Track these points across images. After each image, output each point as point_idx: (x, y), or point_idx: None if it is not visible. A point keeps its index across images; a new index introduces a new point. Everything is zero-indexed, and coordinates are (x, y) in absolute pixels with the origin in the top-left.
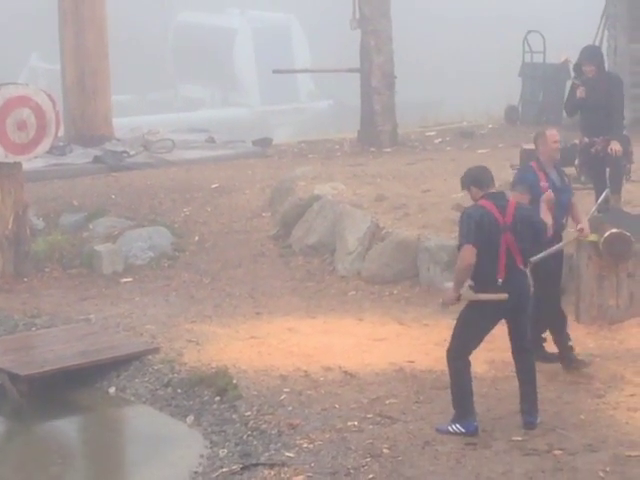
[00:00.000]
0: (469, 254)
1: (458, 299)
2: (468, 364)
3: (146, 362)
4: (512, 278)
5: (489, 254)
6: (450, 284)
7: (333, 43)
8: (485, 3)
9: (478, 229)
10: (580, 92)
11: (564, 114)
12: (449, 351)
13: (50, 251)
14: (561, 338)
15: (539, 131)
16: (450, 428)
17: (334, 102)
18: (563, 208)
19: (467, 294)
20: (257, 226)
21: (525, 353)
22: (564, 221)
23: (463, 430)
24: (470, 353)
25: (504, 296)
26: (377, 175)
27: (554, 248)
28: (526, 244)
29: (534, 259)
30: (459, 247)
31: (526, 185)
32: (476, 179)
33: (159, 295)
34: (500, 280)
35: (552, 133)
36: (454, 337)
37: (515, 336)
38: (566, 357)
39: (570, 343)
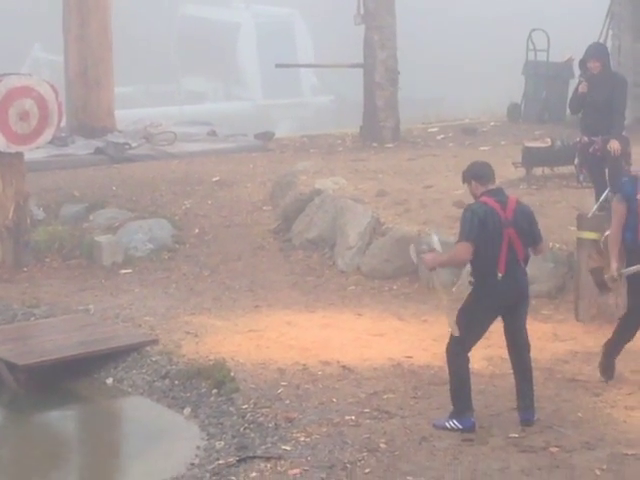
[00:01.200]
0: (465, 251)
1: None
2: (467, 360)
3: (144, 353)
4: (512, 274)
5: (491, 250)
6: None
7: (336, 38)
8: (489, 1)
9: (481, 226)
10: (582, 87)
11: (567, 112)
12: (448, 347)
13: (50, 241)
14: (619, 348)
15: None
16: (447, 424)
17: (336, 97)
18: None
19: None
20: (258, 220)
21: (521, 350)
22: None
23: (460, 426)
24: (469, 349)
25: None
26: (379, 170)
27: None
28: (527, 239)
29: (627, 271)
30: (457, 242)
31: (623, 195)
32: (478, 174)
33: (158, 287)
34: (500, 275)
35: None
36: (455, 334)
37: (512, 333)
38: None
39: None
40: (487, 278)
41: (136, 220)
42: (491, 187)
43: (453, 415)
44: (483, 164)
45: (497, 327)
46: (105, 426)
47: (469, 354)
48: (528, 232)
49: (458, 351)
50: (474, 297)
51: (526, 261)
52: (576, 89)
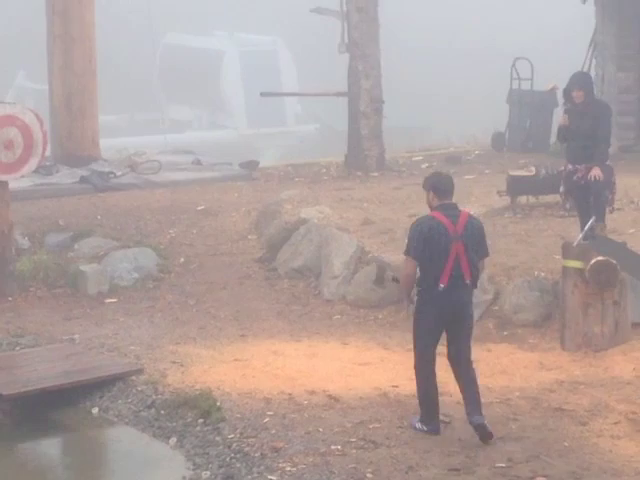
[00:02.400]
0: (409, 265)
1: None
2: (431, 372)
3: (130, 383)
4: (455, 287)
5: (437, 262)
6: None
7: (321, 67)
8: (473, 32)
9: (425, 242)
10: (563, 119)
11: (551, 141)
12: (415, 363)
13: (35, 270)
14: None
15: None
16: (416, 425)
17: (321, 126)
18: None
19: None
20: (243, 249)
21: (464, 362)
22: None
23: (425, 429)
24: (429, 361)
25: None
26: (364, 199)
27: None
28: (476, 254)
29: None
30: (404, 253)
31: None
32: (437, 187)
33: (144, 316)
34: (442, 286)
35: None
36: (414, 349)
37: (452, 345)
38: None
39: None
40: (430, 289)
41: (121, 249)
42: (446, 202)
43: (421, 419)
44: (445, 178)
45: (482, 356)
46: (91, 456)
47: (453, 384)
48: (477, 246)
49: (422, 365)
50: (418, 307)
51: (474, 279)
52: (560, 125)
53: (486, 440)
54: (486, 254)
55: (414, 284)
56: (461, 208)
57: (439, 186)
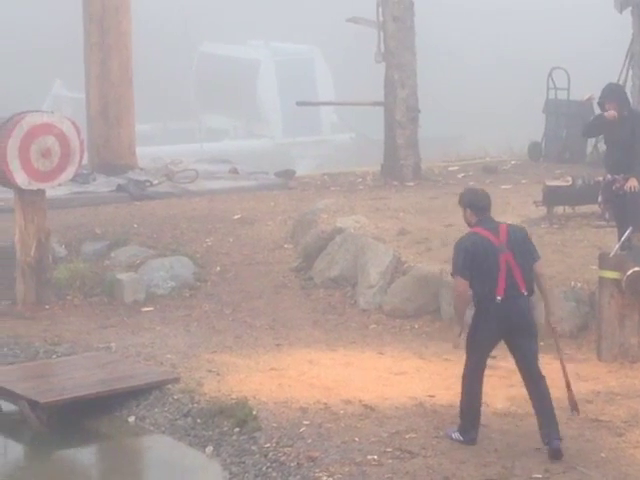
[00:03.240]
0: (460, 284)
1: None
2: (479, 384)
3: (166, 391)
4: (512, 298)
5: (489, 276)
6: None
7: (357, 76)
8: (509, 42)
9: (472, 258)
10: (610, 114)
11: (588, 151)
12: (464, 374)
13: (72, 279)
14: None
15: None
16: (453, 435)
17: (357, 135)
18: None
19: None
20: (279, 258)
21: (537, 379)
22: None
23: (462, 439)
24: (480, 373)
25: None
26: (400, 209)
27: None
28: (525, 263)
29: None
30: (452, 275)
31: None
32: (474, 204)
33: (180, 325)
34: (499, 298)
35: None
36: (466, 357)
37: (523, 364)
38: None
39: None
40: (487, 302)
41: (157, 258)
42: (484, 217)
43: (459, 429)
44: (482, 194)
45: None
46: (127, 464)
47: (491, 394)
48: (526, 253)
49: (472, 377)
50: (475, 321)
51: (529, 288)
52: (601, 114)
53: (555, 459)
54: (537, 257)
55: (468, 304)
56: (499, 221)
57: (476, 203)
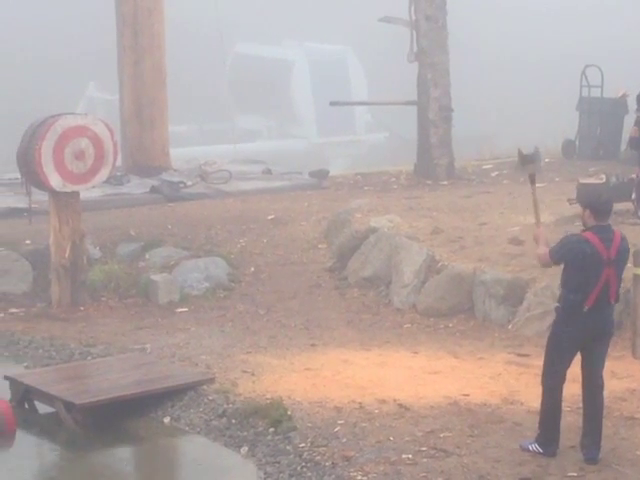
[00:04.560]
0: (545, 259)
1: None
2: (560, 393)
3: (201, 392)
4: (599, 308)
5: (585, 287)
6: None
7: (390, 75)
8: (543, 41)
9: (579, 268)
10: (634, 131)
11: (622, 148)
12: (543, 380)
13: (106, 280)
14: None
15: None
16: (530, 447)
17: (390, 134)
18: None
19: None
20: (313, 258)
21: (596, 389)
22: None
23: (541, 450)
24: (560, 376)
25: None
26: (433, 208)
27: None
28: (621, 274)
29: None
30: (549, 252)
31: None
32: (596, 207)
33: (214, 325)
34: (587, 308)
35: None
36: (544, 361)
37: (589, 369)
38: None
39: None
40: (573, 309)
41: (192, 259)
42: (602, 223)
43: (538, 440)
44: (606, 198)
45: None
46: (162, 465)
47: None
48: (623, 263)
49: (554, 385)
50: (559, 325)
51: (618, 296)
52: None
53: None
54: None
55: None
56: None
57: (598, 207)
